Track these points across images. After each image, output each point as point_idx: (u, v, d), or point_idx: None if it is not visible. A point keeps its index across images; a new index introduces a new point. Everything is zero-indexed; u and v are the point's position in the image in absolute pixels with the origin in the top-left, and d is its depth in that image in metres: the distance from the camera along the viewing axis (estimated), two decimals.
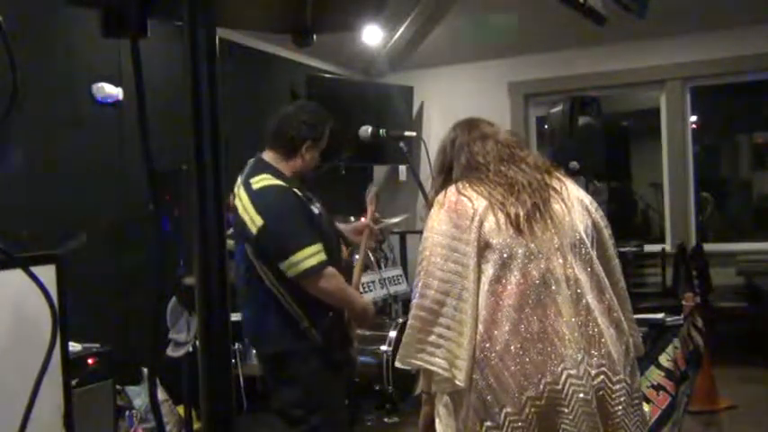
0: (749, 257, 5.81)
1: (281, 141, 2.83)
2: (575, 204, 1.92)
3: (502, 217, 1.83)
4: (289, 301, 2.70)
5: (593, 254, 1.87)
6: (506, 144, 2.02)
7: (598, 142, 5.03)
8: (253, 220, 2.65)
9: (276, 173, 2.76)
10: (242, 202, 2.69)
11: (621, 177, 7.83)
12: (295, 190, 2.75)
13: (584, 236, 1.87)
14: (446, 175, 2.06)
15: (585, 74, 6.35)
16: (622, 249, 4.77)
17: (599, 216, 1.97)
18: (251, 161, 2.86)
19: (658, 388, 2.98)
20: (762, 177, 8.36)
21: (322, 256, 2.66)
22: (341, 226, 3.23)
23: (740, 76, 6.16)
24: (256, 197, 2.67)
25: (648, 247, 6.25)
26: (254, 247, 2.70)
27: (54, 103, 3.91)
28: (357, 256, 3.43)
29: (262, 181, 2.71)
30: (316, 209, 2.82)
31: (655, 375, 3.01)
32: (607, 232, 1.97)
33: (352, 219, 5.06)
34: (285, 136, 2.83)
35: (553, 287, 1.78)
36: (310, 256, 2.63)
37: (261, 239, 2.65)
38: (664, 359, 3.08)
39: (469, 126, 2.10)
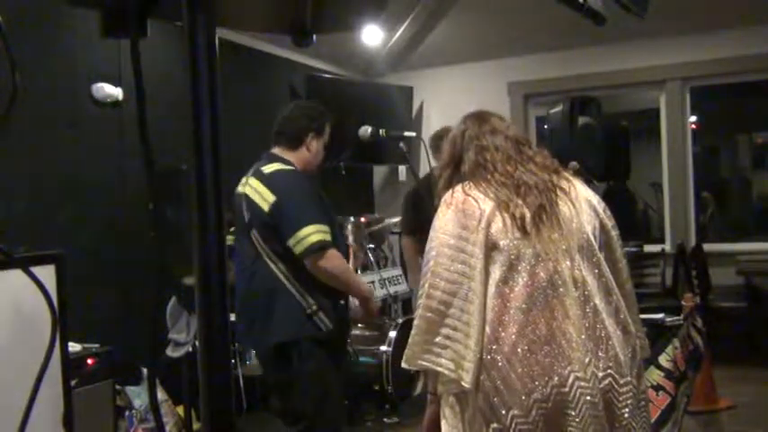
0: (749, 257, 5.80)
1: (285, 136, 2.95)
2: (582, 205, 1.90)
3: (509, 218, 1.82)
4: (296, 286, 2.73)
5: (601, 255, 1.86)
6: (515, 140, 1.99)
7: (598, 142, 5.02)
8: (265, 198, 2.73)
9: (287, 163, 2.88)
10: (253, 186, 2.78)
11: (621, 177, 7.81)
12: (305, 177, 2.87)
13: (591, 237, 1.85)
14: (455, 168, 2.03)
15: (585, 74, 6.34)
16: None
17: (607, 217, 1.94)
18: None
19: (658, 388, 2.99)
20: (762, 177, 8.36)
21: (327, 236, 2.71)
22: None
23: (740, 76, 6.15)
24: (269, 179, 2.78)
25: (648, 247, 6.25)
26: (264, 229, 2.75)
27: (54, 103, 3.91)
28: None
29: (274, 167, 2.83)
30: (324, 200, 2.91)
31: (655, 375, 3.00)
32: (615, 233, 1.95)
33: (352, 218, 5.07)
34: (288, 130, 2.95)
35: (561, 289, 1.76)
36: (316, 232, 2.69)
37: (272, 216, 2.72)
38: (664, 359, 3.08)
39: (480, 119, 2.06)
